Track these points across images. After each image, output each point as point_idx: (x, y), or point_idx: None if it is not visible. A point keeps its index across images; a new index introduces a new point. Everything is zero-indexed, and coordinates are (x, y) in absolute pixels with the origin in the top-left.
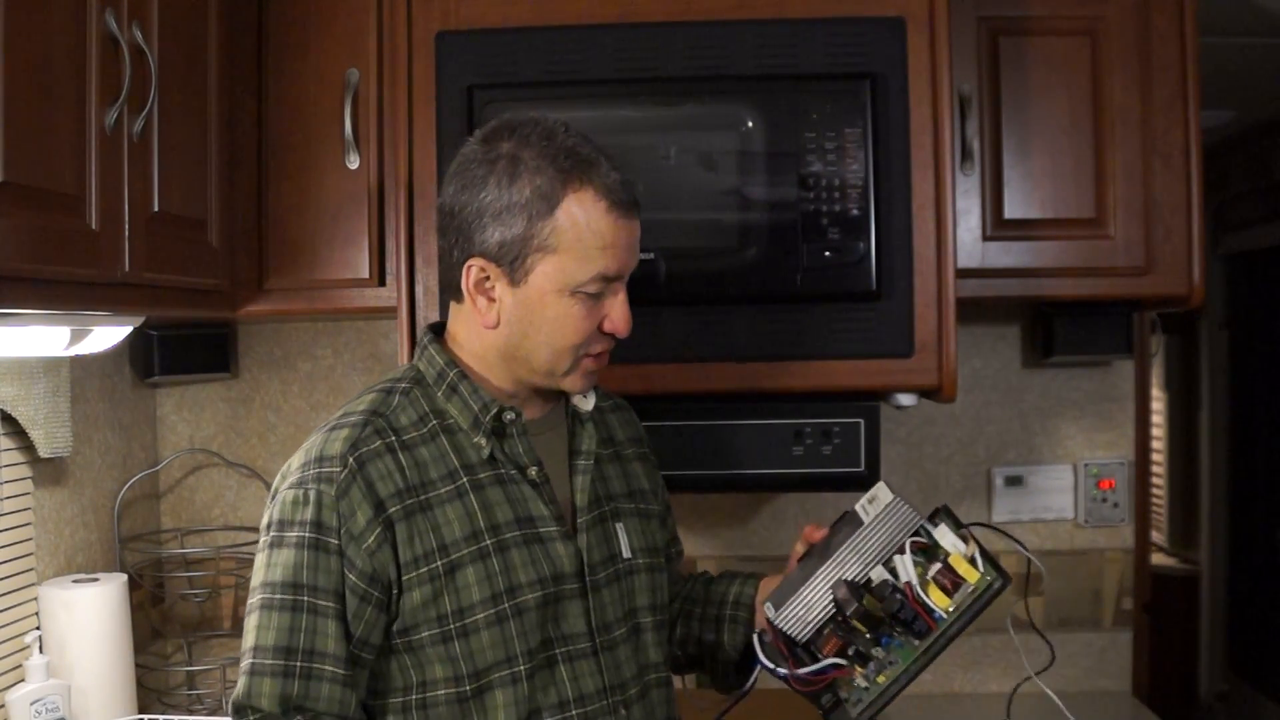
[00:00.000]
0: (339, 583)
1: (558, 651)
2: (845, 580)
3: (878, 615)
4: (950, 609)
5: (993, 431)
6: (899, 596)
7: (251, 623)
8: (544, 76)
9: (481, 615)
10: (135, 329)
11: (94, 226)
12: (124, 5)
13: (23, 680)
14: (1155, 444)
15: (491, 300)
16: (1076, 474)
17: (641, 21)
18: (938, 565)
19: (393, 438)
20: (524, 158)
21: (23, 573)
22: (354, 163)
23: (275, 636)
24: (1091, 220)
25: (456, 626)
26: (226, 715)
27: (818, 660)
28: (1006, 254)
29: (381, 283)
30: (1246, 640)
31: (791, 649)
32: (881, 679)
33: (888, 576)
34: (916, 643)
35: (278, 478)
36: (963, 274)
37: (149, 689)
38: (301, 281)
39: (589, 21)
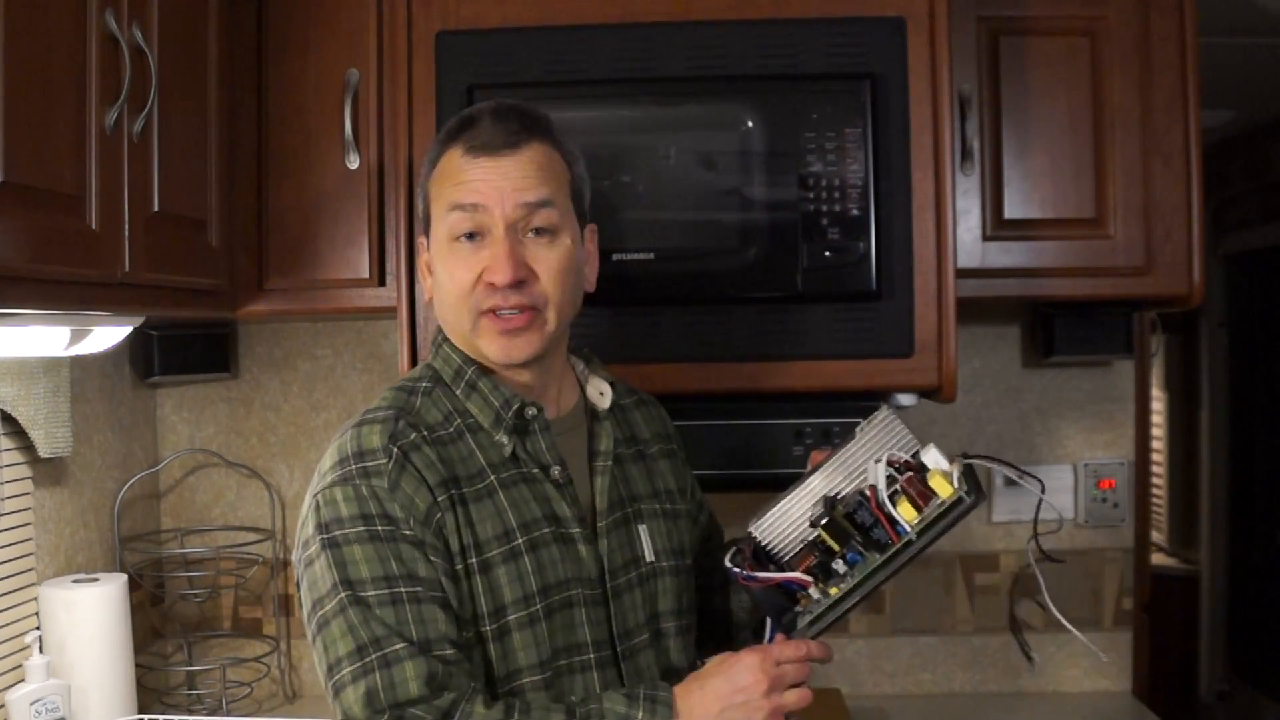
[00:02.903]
0: (430, 570)
1: (577, 660)
2: (824, 495)
3: (846, 529)
4: (915, 522)
5: (993, 431)
6: (860, 498)
7: (339, 628)
8: (544, 76)
9: (513, 617)
10: (135, 329)
11: (94, 226)
12: (124, 5)
13: (23, 680)
14: (1155, 444)
15: (430, 275)
16: (1076, 474)
17: (641, 21)
18: (910, 474)
19: (425, 432)
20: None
21: (23, 573)
22: (354, 163)
23: (382, 628)
24: (1091, 220)
25: (492, 629)
26: (226, 715)
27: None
28: (1006, 254)
29: (381, 283)
30: (1246, 640)
31: (763, 563)
32: (834, 591)
33: (861, 486)
34: (877, 556)
35: (309, 490)
36: (963, 274)
37: (149, 689)
38: (301, 281)
39: (589, 21)
